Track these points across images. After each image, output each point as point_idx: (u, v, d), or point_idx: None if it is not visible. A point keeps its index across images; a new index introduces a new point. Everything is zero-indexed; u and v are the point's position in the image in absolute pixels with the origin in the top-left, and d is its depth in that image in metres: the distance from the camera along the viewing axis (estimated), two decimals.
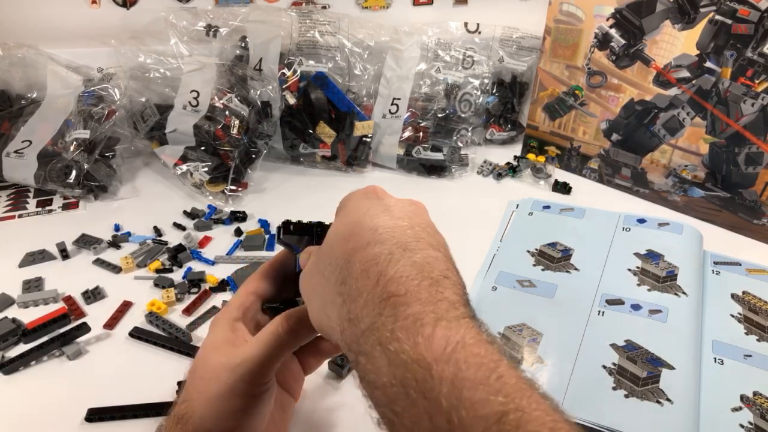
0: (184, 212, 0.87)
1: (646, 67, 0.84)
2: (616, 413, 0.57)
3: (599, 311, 0.69)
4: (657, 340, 0.64)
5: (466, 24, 1.05)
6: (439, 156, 0.98)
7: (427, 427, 0.26)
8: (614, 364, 0.62)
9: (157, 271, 0.75)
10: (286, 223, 0.46)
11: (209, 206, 0.88)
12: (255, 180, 0.94)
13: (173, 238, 0.81)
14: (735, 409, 0.58)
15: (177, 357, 0.63)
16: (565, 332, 0.67)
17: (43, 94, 0.95)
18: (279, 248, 0.47)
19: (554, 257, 0.78)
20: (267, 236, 0.82)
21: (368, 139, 0.97)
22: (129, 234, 0.81)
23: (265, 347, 0.41)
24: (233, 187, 0.90)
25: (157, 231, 0.82)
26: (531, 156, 1.01)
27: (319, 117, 0.95)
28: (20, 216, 0.85)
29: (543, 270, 0.76)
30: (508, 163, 1.01)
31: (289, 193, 0.94)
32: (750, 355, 0.64)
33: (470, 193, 0.95)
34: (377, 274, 0.31)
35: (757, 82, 0.76)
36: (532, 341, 0.66)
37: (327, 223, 0.45)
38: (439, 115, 1.01)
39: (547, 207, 0.88)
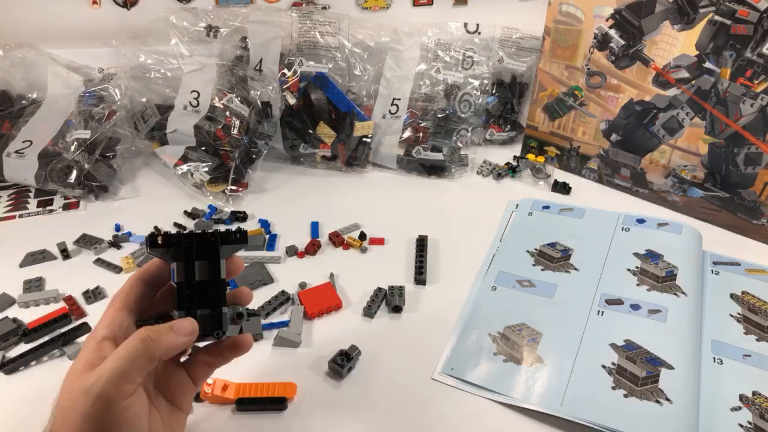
0: (185, 212, 0.87)
1: (646, 68, 0.85)
2: (615, 413, 0.57)
3: (599, 311, 0.69)
4: (656, 340, 0.64)
5: (465, 24, 1.06)
6: (439, 156, 0.98)
7: None
8: (613, 363, 0.62)
9: None
10: (153, 236, 0.42)
11: (210, 206, 0.88)
12: (255, 180, 0.94)
13: None
14: (734, 409, 0.59)
15: None
16: (564, 332, 0.67)
17: (44, 95, 0.95)
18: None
19: (554, 257, 0.78)
20: (267, 236, 0.82)
21: (368, 140, 0.97)
22: (129, 234, 0.81)
23: (119, 362, 0.39)
24: (233, 187, 0.90)
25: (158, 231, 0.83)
26: (530, 156, 1.01)
27: (319, 117, 0.96)
28: (21, 216, 0.85)
29: (542, 270, 0.76)
30: (507, 164, 1.01)
31: (289, 193, 0.94)
32: (749, 355, 0.65)
33: (470, 193, 0.96)
34: None
35: (756, 82, 0.76)
36: (532, 341, 0.66)
37: (200, 232, 0.43)
38: (439, 116, 1.01)
39: (546, 207, 0.89)
